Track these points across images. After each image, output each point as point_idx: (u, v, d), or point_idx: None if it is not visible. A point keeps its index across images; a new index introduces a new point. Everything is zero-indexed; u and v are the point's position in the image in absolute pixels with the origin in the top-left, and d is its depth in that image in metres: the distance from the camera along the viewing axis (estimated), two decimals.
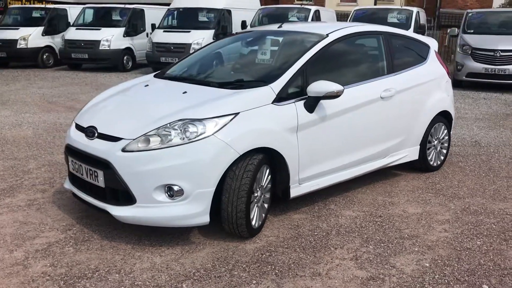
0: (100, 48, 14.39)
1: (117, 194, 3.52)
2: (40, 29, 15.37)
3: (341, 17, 20.59)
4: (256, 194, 3.65)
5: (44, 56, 15.38)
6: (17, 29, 15.23)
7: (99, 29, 14.77)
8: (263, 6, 16.38)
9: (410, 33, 5.55)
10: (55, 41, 15.58)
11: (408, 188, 4.91)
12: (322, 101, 3.97)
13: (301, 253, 3.48)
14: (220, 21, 14.55)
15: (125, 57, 14.84)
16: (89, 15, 15.81)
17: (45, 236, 3.69)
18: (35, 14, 16.04)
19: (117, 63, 14.60)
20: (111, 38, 14.47)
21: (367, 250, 3.54)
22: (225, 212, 3.51)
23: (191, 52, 13.89)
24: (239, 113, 3.57)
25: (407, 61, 5.13)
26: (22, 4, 22.57)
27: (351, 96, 4.25)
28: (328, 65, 4.30)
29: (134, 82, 4.64)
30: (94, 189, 3.64)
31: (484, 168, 5.62)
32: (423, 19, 15.14)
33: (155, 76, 4.71)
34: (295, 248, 3.55)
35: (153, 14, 15.89)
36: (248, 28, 5.12)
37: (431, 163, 5.40)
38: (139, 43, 15.28)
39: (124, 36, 14.89)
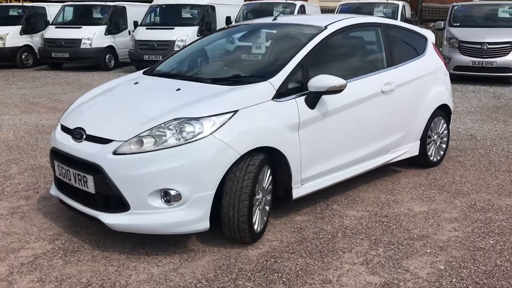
0: (81, 46, 14.01)
1: (109, 201, 3.26)
2: (18, 28, 14.89)
3: (325, 12, 20.42)
4: (257, 197, 3.43)
5: (23, 56, 14.91)
6: None
7: (80, 27, 14.38)
8: (247, 2, 16.14)
9: (407, 24, 5.37)
10: (34, 40, 15.12)
11: (410, 185, 4.74)
12: (323, 97, 3.77)
13: (308, 259, 3.27)
14: (204, 17, 14.27)
15: (107, 56, 14.48)
16: (69, 13, 15.37)
17: (30, 248, 3.41)
18: (12, 13, 15.53)
19: (99, 62, 14.24)
20: (93, 36, 14.10)
21: (377, 253, 3.34)
22: (226, 217, 3.28)
23: (175, 49, 13.88)
24: (238, 110, 3.34)
25: (406, 53, 4.95)
26: None
27: (353, 90, 4.04)
28: (327, 58, 4.10)
29: (122, 80, 4.37)
30: (83, 195, 3.38)
31: (484, 162, 5.49)
32: (408, 13, 15.09)
33: (144, 73, 4.45)
34: (301, 253, 3.34)
35: (135, 11, 15.53)
36: (240, 22, 4.85)
37: (431, 158, 5.25)
38: (122, 41, 14.92)
39: (105, 34, 14.52)
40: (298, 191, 3.77)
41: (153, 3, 15.08)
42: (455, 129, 7.10)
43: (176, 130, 3.19)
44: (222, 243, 3.46)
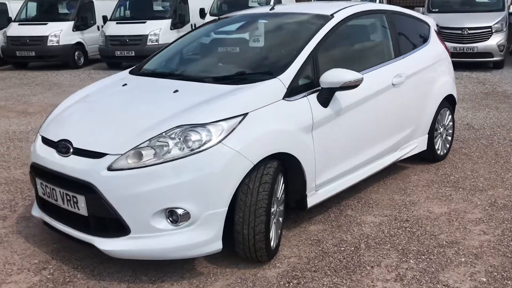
0: (48, 44, 13.27)
1: (105, 223, 2.82)
2: None
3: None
4: (272, 209, 3.04)
5: None
6: None
7: (46, 24, 13.62)
8: None
9: (409, 11, 5.04)
10: None
11: (422, 182, 4.44)
12: (337, 93, 3.40)
13: (334, 277, 2.91)
14: (176, 10, 13.75)
15: (76, 53, 13.78)
16: (32, 9, 14.53)
17: (13, 281, 2.94)
18: None
19: (67, 60, 13.54)
20: (60, 33, 13.37)
21: (409, 266, 3.01)
22: (240, 235, 2.89)
23: (148, 44, 13.31)
24: (248, 113, 2.94)
25: (412, 42, 4.63)
26: None
27: (365, 84, 3.67)
28: (337, 50, 3.73)
29: (106, 81, 3.89)
30: (73, 217, 2.92)
31: (490, 153, 5.23)
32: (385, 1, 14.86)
33: (130, 72, 3.98)
34: (325, 271, 2.98)
35: (104, 6, 14.82)
36: (234, 13, 4.40)
37: (438, 152, 4.96)
38: (91, 37, 14.23)
39: (73, 30, 13.80)
40: (313, 199, 3.40)
41: None
42: None
43: (180, 139, 2.77)
44: (234, 263, 3.07)
